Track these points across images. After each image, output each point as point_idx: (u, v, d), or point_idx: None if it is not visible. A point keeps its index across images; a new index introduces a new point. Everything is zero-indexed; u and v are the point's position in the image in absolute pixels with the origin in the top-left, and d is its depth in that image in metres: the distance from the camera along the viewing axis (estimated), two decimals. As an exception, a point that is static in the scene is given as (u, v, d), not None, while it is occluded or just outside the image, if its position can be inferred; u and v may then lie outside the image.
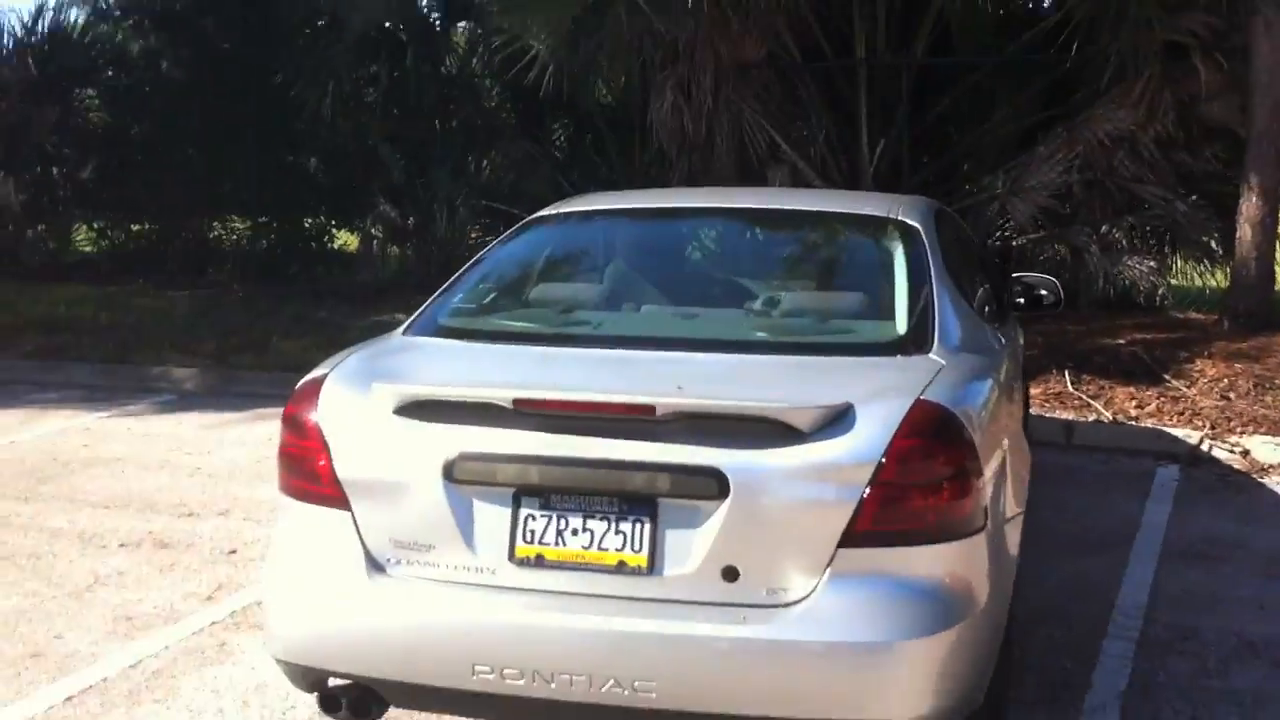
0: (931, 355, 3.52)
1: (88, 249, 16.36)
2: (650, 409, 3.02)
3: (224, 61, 14.53)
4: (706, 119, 10.48)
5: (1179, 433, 7.37)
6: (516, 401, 3.09)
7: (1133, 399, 7.86)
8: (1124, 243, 10.47)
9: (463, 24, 14.58)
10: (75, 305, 11.97)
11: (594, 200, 5.25)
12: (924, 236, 4.17)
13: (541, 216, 4.75)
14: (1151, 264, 10.33)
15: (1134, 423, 7.60)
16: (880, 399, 3.09)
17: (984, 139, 11.08)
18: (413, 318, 4.09)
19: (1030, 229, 10.52)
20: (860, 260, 4.58)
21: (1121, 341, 9.06)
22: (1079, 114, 10.01)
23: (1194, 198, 10.36)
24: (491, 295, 4.33)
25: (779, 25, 10.29)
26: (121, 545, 5.76)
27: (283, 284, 13.44)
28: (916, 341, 3.60)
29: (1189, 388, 7.97)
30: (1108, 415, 7.70)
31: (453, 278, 4.33)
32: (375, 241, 13.47)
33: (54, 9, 15.46)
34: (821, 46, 10.77)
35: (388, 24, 13.71)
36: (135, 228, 15.75)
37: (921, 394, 3.12)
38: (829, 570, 2.95)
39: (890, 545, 2.98)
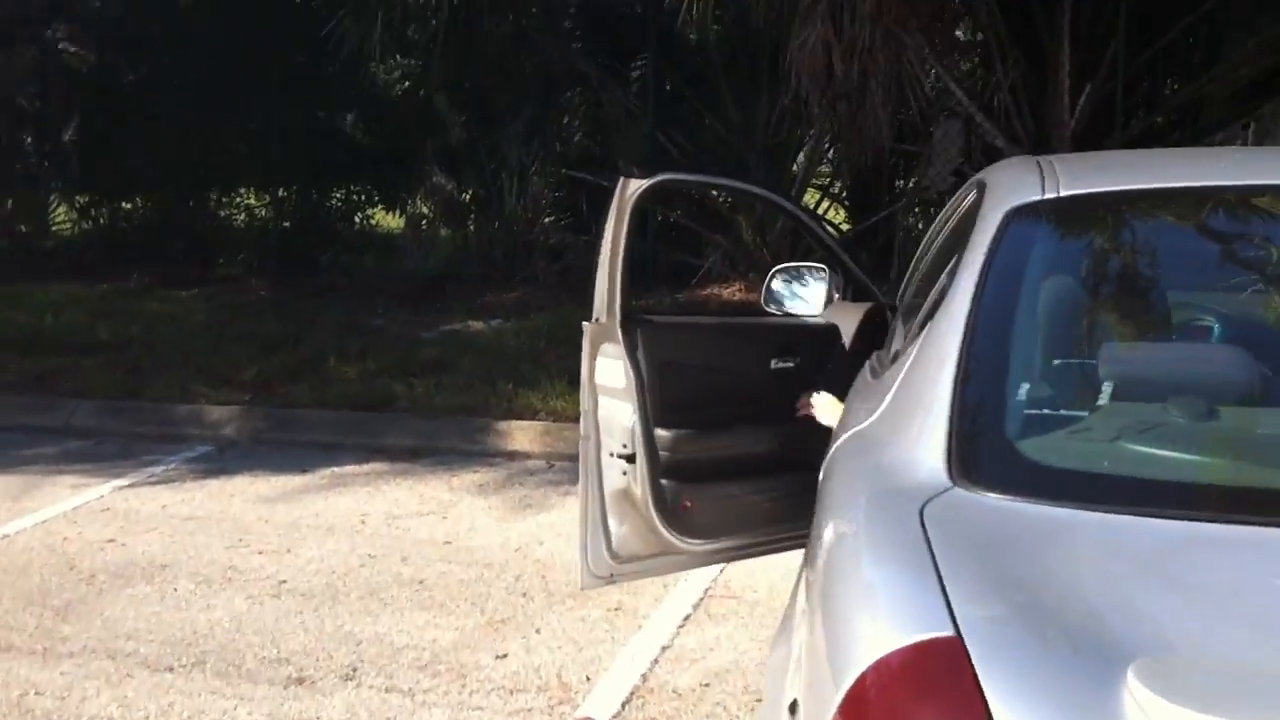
0: None
1: (68, 232, 13.56)
2: None
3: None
4: (860, 58, 8.32)
5: None
6: None
7: None
8: None
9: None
10: (64, 312, 9.61)
11: (1093, 169, 2.86)
12: None
13: (1026, 206, 2.44)
14: None
15: None
16: None
17: (1213, 84, 8.85)
18: (951, 438, 1.90)
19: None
20: None
21: None
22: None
23: None
24: (1061, 375, 2.25)
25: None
26: (210, 766, 3.54)
27: (313, 277, 11.00)
28: None
29: None
30: None
31: (960, 335, 2.10)
32: (425, 221, 11.00)
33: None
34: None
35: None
36: (126, 205, 12.95)
37: None
38: None
39: None
